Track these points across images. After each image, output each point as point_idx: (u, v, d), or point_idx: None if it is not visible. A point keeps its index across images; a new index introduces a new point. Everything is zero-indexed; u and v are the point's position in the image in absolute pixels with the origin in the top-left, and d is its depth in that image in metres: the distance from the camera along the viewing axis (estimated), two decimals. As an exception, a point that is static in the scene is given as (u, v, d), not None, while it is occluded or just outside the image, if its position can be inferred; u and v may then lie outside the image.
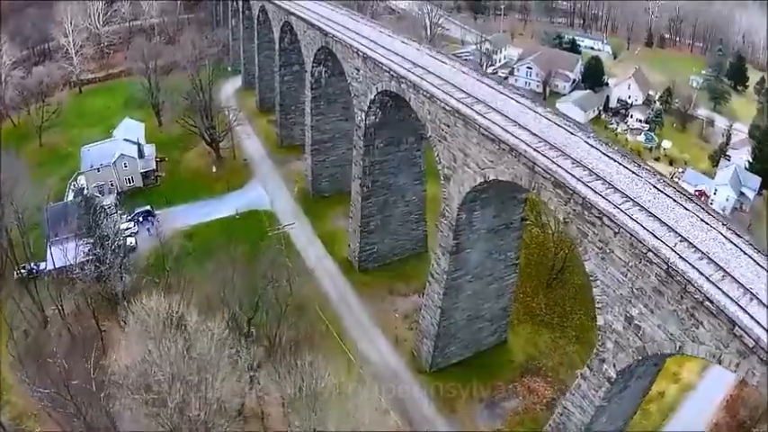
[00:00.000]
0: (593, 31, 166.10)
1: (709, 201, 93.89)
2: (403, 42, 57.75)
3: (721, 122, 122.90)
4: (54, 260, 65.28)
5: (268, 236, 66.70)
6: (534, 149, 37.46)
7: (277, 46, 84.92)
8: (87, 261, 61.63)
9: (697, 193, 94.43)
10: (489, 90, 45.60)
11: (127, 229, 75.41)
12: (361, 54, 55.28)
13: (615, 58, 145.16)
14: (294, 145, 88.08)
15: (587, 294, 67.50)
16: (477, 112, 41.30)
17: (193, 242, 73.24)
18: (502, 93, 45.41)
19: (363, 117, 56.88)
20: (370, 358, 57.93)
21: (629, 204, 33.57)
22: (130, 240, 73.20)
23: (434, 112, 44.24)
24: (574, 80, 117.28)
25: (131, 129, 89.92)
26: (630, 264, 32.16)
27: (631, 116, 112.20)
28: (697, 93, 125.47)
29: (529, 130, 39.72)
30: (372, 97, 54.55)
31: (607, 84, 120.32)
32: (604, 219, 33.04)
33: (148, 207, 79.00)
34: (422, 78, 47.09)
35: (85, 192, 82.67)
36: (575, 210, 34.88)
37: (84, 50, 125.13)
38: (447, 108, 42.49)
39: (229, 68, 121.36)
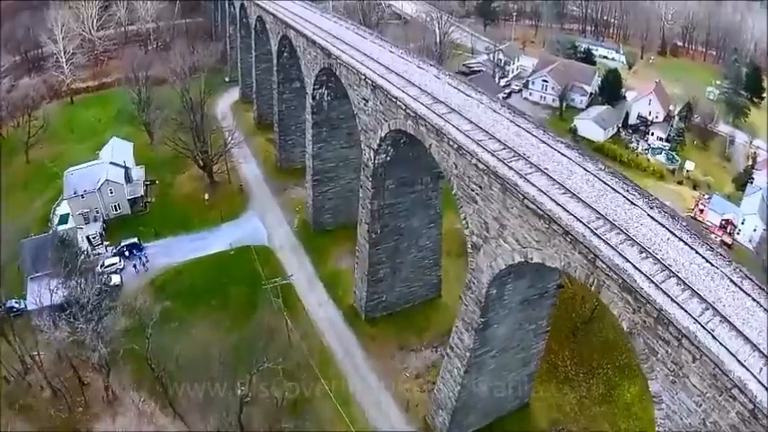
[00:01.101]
0: (605, 38, 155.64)
1: (736, 231, 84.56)
2: (420, 68, 47.96)
3: (741, 138, 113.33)
4: (33, 299, 56.45)
5: (263, 287, 57.18)
6: (593, 231, 27.96)
7: (275, 60, 75.07)
8: (64, 310, 52.58)
9: (724, 223, 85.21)
10: (529, 138, 35.98)
11: (112, 264, 66.41)
12: (370, 83, 45.58)
13: (630, 68, 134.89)
14: (294, 168, 78.31)
15: (616, 347, 59.38)
16: (518, 173, 31.72)
17: (182, 283, 64.03)
18: (544, 141, 35.82)
19: (372, 156, 47.28)
20: (378, 426, 49.10)
21: (709, 314, 24.37)
22: (116, 278, 64.16)
23: (462, 167, 34.68)
24: (591, 93, 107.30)
25: (119, 149, 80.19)
26: (708, 395, 23.37)
27: (652, 134, 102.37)
28: (717, 108, 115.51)
29: (584, 201, 30.19)
30: (383, 135, 44.94)
31: (624, 97, 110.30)
32: (683, 340, 23.95)
33: (135, 239, 69.61)
34: (446, 120, 37.42)
35: (70, 218, 73.71)
36: (645, 321, 25.64)
37: (76, 59, 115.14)
38: (480, 166, 32.94)
39: (227, 79, 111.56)
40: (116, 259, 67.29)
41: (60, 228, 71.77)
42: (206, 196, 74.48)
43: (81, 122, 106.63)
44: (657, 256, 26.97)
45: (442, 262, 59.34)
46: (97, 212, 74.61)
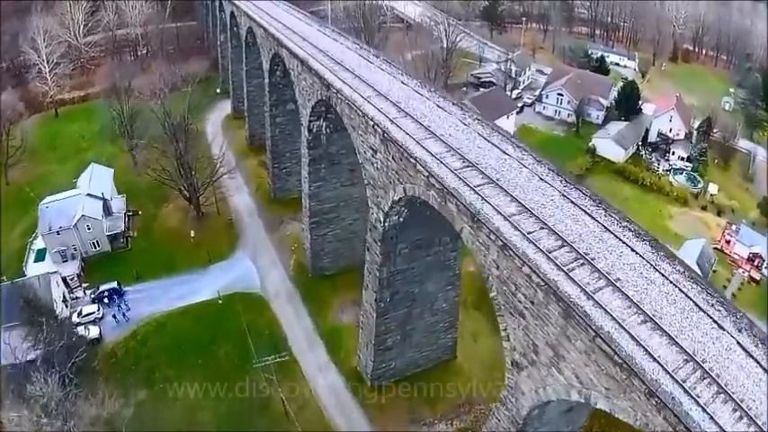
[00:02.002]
0: (615, 42, 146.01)
1: (765, 265, 76.10)
2: (440, 107, 38.84)
3: (762, 153, 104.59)
4: (9, 352, 48.08)
5: (254, 366, 48.60)
6: (683, 387, 19.43)
7: (267, 80, 65.69)
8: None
9: (752, 256, 76.83)
10: (590, 224, 27.10)
11: (90, 314, 57.78)
12: (380, 132, 36.57)
13: (643, 76, 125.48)
14: (290, 198, 68.90)
15: None
16: (584, 290, 22.96)
17: (166, 337, 55.41)
18: (606, 227, 26.99)
19: (382, 218, 38.35)
20: None
21: None
22: (94, 331, 55.62)
23: (508, 270, 25.82)
24: (607, 107, 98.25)
25: (98, 177, 70.75)
26: None
27: (673, 153, 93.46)
28: (738, 122, 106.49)
29: (668, 334, 21.46)
30: (397, 198, 36.08)
31: (640, 109, 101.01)
32: None
33: (115, 284, 60.81)
34: (483, 198, 28.28)
35: (47, 254, 64.91)
36: None
37: (60, 68, 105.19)
38: (534, 278, 24.10)
39: (218, 90, 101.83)
40: (94, 307, 58.55)
41: (36, 265, 63.29)
42: (192, 233, 65.37)
43: (65, 138, 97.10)
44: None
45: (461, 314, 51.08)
46: (75, 250, 65.72)
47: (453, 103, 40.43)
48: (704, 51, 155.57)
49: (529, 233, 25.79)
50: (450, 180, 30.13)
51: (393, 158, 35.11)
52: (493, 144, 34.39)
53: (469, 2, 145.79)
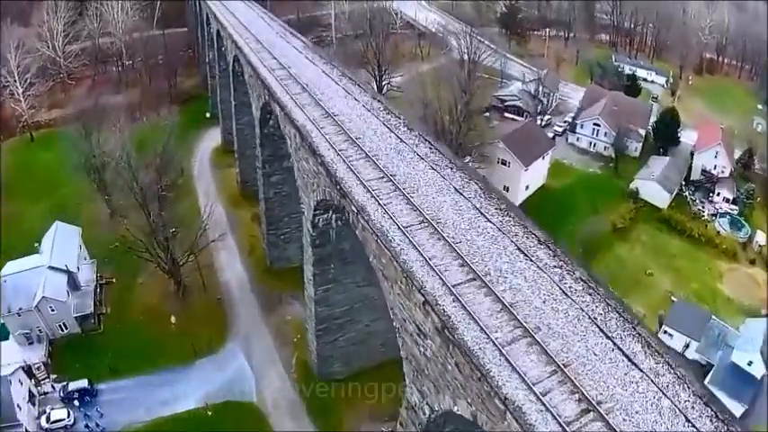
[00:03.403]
0: (638, 52, 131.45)
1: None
2: (520, 252, 26.10)
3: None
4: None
5: None
6: None
7: (258, 130, 52.84)
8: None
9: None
10: None
11: (60, 420, 46.16)
12: (429, 307, 23.81)
13: (673, 94, 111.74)
14: (289, 267, 56.17)
15: None
16: None
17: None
18: None
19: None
20: None
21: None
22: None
23: None
24: (644, 136, 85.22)
25: (63, 242, 57.50)
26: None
27: (718, 194, 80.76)
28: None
29: None
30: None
31: (679, 139, 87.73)
32: None
33: (86, 382, 48.94)
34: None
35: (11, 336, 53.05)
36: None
37: (35, 88, 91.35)
38: None
39: (208, 114, 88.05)
40: (64, 413, 46.84)
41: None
42: (173, 319, 52.97)
43: (40, 169, 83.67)
44: None
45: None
46: (40, 332, 53.74)
47: (538, 239, 27.55)
48: (727, 61, 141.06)
49: None
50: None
51: (458, 368, 22.56)
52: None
53: (488, 2, 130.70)
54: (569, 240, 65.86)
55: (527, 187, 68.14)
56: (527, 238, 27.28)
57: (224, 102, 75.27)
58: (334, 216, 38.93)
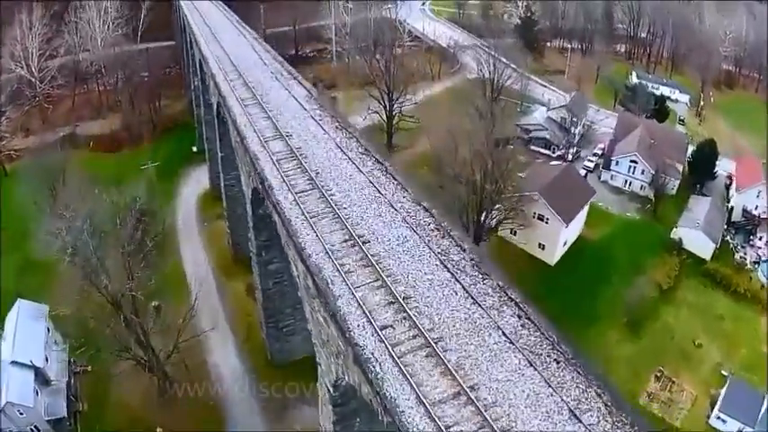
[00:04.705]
0: (656, 64, 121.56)
1: None
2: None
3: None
4: None
5: None
6: None
7: (250, 211, 41.54)
8: None
9: None
10: None
11: None
12: None
13: (698, 114, 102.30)
14: (293, 361, 45.58)
15: None
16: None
17: None
18: None
19: None
20: None
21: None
22: None
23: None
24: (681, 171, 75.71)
25: (27, 326, 46.67)
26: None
27: (760, 237, 71.71)
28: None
29: None
30: None
31: (715, 172, 78.46)
32: None
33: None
34: None
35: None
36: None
37: (8, 112, 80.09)
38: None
39: (195, 148, 76.30)
40: None
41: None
42: (159, 431, 42.95)
43: (12, 211, 72.59)
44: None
45: None
46: (8, 435, 43.73)
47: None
48: (744, 72, 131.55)
49: None
50: None
51: None
52: None
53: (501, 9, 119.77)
54: (613, 310, 56.99)
55: (564, 243, 58.60)
56: None
57: (211, 141, 63.18)
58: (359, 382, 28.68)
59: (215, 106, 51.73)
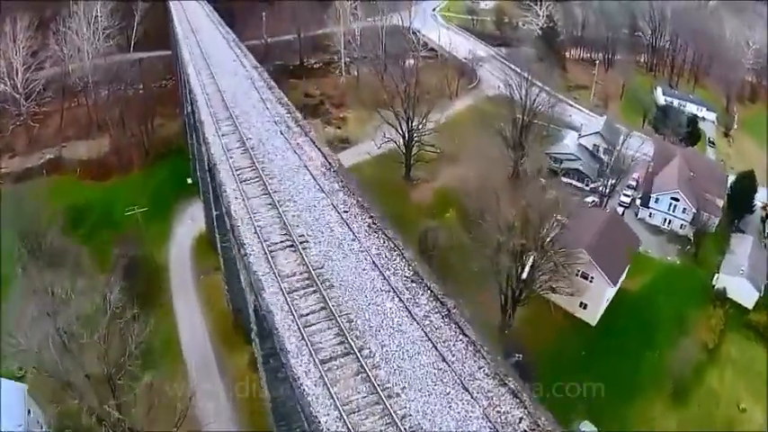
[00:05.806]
0: (678, 77, 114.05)
1: None
2: None
3: None
4: None
5: None
6: None
7: (252, 314, 33.24)
8: None
9: None
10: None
11: None
12: None
13: (726, 135, 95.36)
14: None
15: None
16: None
17: None
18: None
19: None
20: None
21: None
22: None
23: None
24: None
25: (7, 409, 40.02)
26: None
27: (805, 278, 65.29)
28: None
29: None
30: None
31: (754, 206, 71.91)
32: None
33: None
34: None
35: None
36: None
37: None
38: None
39: (189, 180, 67.10)
40: None
41: None
42: None
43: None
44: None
45: None
46: None
47: None
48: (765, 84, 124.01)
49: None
50: None
51: None
52: None
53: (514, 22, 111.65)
54: (657, 377, 50.62)
55: (607, 300, 51.95)
56: None
57: (204, 182, 52.39)
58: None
59: (206, 161, 43.35)
